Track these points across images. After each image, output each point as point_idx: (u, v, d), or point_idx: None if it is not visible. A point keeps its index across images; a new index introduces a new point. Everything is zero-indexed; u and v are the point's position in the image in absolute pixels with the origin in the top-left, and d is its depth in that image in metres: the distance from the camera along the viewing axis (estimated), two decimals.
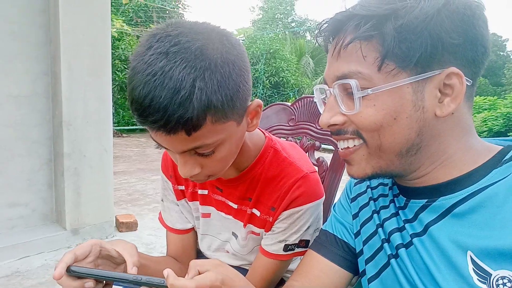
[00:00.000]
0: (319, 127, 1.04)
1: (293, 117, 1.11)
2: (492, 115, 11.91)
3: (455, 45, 0.50)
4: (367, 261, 0.66)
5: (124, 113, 11.04)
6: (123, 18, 11.05)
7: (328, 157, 1.03)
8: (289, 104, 1.13)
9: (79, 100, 2.69)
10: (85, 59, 2.68)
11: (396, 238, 0.60)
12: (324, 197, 0.82)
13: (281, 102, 1.17)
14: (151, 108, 0.55)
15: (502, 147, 0.55)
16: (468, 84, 0.52)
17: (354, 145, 0.57)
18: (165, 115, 0.54)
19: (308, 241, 0.82)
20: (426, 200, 0.56)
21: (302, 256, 0.97)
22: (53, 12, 2.61)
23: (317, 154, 1.09)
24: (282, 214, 0.78)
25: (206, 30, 0.59)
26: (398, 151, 0.54)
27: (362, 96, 0.52)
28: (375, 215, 0.66)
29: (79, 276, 0.57)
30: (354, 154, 0.58)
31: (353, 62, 0.53)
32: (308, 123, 1.07)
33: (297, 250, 0.81)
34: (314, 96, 1.05)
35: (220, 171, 0.70)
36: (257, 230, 0.84)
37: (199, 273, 0.55)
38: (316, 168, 1.06)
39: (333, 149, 1.02)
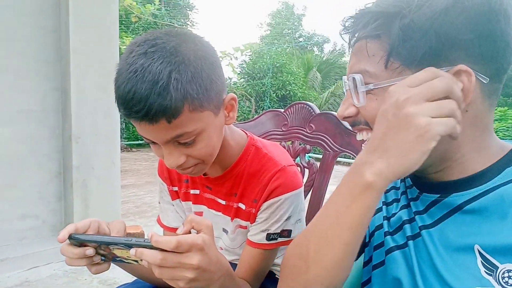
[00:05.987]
0: (309, 131, 1.09)
1: (285, 122, 1.15)
2: (503, 126, 11.71)
3: (466, 41, 0.49)
4: (375, 248, 0.66)
5: (133, 128, 11.20)
6: (133, 35, 11.32)
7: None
8: (282, 110, 1.18)
9: (88, 115, 2.78)
10: (94, 76, 2.78)
11: (406, 230, 0.60)
12: (302, 187, 0.88)
13: (275, 109, 1.22)
14: (134, 100, 0.63)
15: None
16: (484, 81, 0.50)
17: (367, 139, 0.58)
18: (146, 104, 0.63)
19: (290, 231, 0.86)
20: (438, 195, 0.57)
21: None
22: (64, 31, 2.73)
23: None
24: (263, 205, 0.84)
25: (180, 33, 0.70)
26: None
27: (366, 91, 0.54)
28: (384, 207, 0.67)
29: (78, 242, 0.64)
30: None
31: (363, 60, 0.55)
32: (299, 128, 1.12)
33: (279, 239, 0.86)
34: (305, 102, 1.11)
35: (204, 160, 0.76)
36: (243, 223, 0.90)
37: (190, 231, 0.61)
38: (307, 170, 1.10)
39: (320, 156, 1.07)
